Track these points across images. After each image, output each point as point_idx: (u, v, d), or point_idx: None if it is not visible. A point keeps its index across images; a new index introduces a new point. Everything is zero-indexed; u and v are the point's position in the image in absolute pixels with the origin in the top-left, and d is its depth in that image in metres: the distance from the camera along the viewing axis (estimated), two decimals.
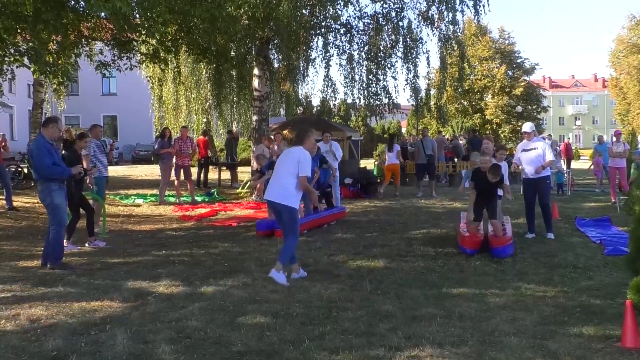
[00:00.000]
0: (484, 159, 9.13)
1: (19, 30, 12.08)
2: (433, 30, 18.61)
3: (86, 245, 9.17)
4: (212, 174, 20.55)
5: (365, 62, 18.77)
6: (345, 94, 19.45)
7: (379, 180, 18.08)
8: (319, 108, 23.72)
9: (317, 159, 11.19)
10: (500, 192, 9.18)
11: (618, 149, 15.36)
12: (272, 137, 15.49)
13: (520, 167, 10.36)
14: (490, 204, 8.84)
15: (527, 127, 10.33)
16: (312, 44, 18.95)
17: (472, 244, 8.49)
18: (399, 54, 18.58)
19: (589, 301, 6.10)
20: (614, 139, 16.04)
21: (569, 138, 37.42)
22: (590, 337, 4.97)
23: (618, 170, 15.31)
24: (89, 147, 10.51)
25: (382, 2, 17.98)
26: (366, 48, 18.68)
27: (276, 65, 20.18)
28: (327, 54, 18.32)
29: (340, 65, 18.87)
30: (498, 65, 52.95)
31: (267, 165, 10.65)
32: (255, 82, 17.57)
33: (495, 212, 8.85)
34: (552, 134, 74.35)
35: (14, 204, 13.15)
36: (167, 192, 15.59)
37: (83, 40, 15.44)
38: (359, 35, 18.71)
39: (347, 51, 18.62)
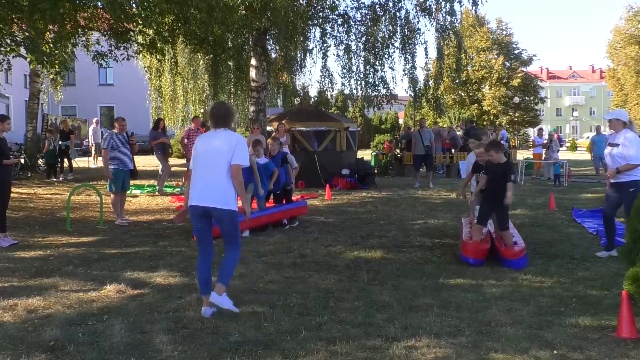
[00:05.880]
0: (478, 151, 7.98)
1: (15, 20, 12.03)
2: (431, 21, 18.63)
3: None
4: None
5: (362, 53, 18.76)
6: (343, 84, 19.47)
7: (376, 171, 18.10)
8: (316, 99, 23.71)
9: (279, 157, 10.65)
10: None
11: None
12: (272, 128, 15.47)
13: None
14: (498, 208, 7.55)
15: (610, 114, 8.01)
16: (309, 34, 18.92)
17: (476, 253, 7.37)
18: (397, 44, 18.60)
19: (585, 292, 6.12)
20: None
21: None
22: (587, 327, 4.99)
23: None
24: (107, 140, 10.51)
25: None
26: (364, 38, 18.65)
27: (273, 55, 20.13)
28: (325, 45, 18.31)
29: (338, 55, 18.86)
30: (495, 56, 52.92)
31: (280, 156, 10.55)
32: (253, 73, 17.54)
33: (505, 223, 7.60)
34: (550, 124, 74.50)
35: (12, 194, 13.12)
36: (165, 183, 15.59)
37: (80, 30, 15.39)
38: (356, 26, 18.70)
39: (345, 42, 18.61)
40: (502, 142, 15.20)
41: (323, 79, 19.29)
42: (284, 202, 10.88)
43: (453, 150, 21.99)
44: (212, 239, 5.51)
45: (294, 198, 11.58)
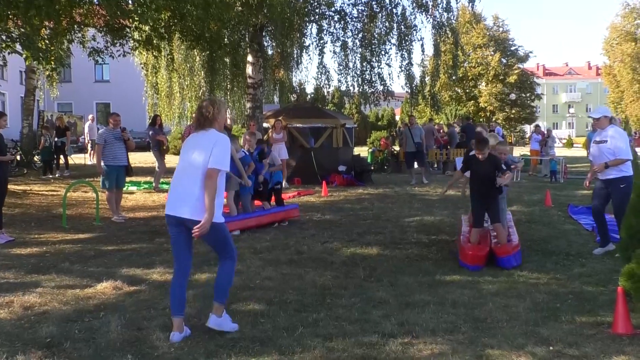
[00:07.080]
0: (491, 144, 7.63)
1: (10, 16, 11.97)
2: (427, 18, 18.65)
3: None
4: None
5: (359, 50, 18.77)
6: (339, 81, 19.47)
7: (372, 168, 18.11)
8: (312, 95, 23.69)
9: (256, 151, 10.25)
10: (505, 190, 7.84)
11: None
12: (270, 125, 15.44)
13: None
14: (491, 204, 7.44)
15: (595, 112, 8.03)
16: (306, 31, 18.93)
17: (475, 259, 7.11)
18: (393, 41, 18.60)
19: (581, 288, 6.14)
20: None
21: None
22: (582, 323, 5.01)
23: None
24: (101, 136, 10.50)
25: None
26: (360, 35, 18.65)
27: (270, 52, 20.12)
28: (321, 41, 18.30)
29: (334, 52, 18.87)
30: (492, 53, 52.96)
31: (257, 150, 10.30)
32: (249, 69, 17.51)
33: (497, 215, 7.46)
34: (546, 121, 74.61)
35: (8, 191, 13.08)
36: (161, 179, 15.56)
37: (75, 26, 15.31)
38: (353, 22, 18.69)
39: (341, 38, 18.62)
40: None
41: (319, 76, 19.32)
42: (274, 201, 10.61)
43: (449, 147, 21.97)
44: (189, 252, 4.84)
45: (288, 196, 11.46)
